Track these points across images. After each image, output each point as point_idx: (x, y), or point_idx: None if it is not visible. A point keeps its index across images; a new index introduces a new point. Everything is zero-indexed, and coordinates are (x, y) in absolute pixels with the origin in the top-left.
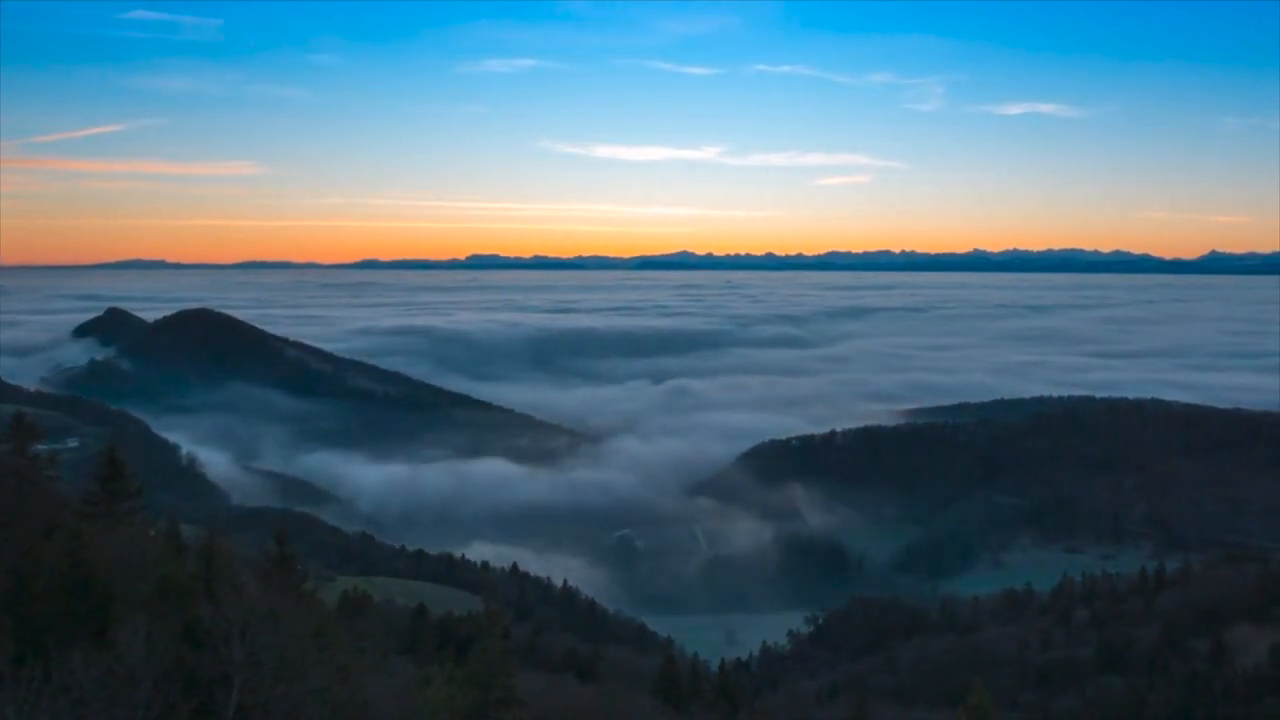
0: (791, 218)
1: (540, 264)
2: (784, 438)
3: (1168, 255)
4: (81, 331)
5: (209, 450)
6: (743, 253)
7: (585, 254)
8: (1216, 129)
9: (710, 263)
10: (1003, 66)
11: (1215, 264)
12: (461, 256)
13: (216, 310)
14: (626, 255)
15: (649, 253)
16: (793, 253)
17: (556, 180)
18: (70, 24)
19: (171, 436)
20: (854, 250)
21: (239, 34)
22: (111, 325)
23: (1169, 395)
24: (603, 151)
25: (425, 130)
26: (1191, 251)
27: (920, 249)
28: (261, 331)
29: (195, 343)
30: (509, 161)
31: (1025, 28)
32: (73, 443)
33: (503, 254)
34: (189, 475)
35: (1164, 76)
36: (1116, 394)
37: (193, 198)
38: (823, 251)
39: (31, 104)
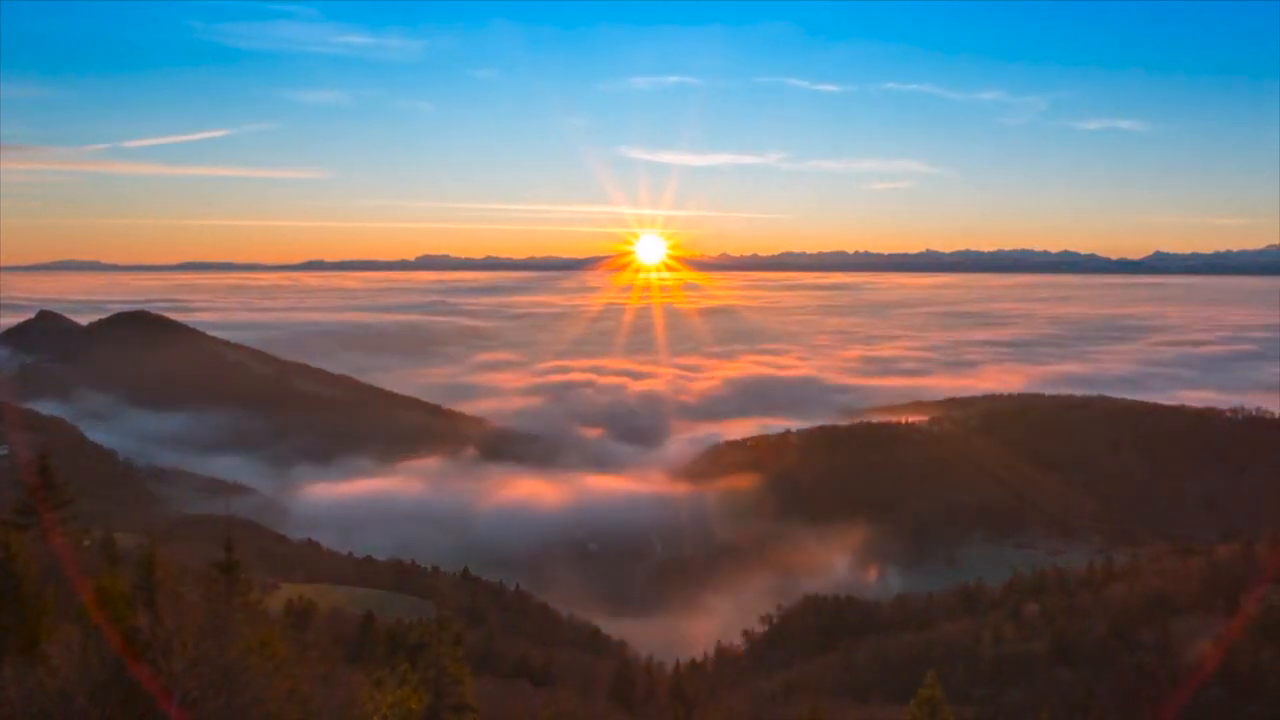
0: (784, 220)
1: (492, 265)
2: (739, 438)
3: (1114, 255)
4: (9, 335)
5: (148, 456)
6: (699, 254)
7: (538, 255)
8: (1172, 134)
9: None
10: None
11: (1160, 264)
12: (411, 257)
13: (153, 313)
14: (580, 256)
15: (605, 253)
16: (747, 254)
17: (581, 184)
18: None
19: (107, 443)
20: (809, 251)
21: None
22: (42, 328)
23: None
24: (667, 157)
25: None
26: (1137, 252)
27: (876, 249)
28: (200, 333)
29: (131, 345)
30: (554, 166)
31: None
32: (1, 450)
33: (453, 254)
34: (126, 482)
35: (1125, 83)
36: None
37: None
38: (777, 253)
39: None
